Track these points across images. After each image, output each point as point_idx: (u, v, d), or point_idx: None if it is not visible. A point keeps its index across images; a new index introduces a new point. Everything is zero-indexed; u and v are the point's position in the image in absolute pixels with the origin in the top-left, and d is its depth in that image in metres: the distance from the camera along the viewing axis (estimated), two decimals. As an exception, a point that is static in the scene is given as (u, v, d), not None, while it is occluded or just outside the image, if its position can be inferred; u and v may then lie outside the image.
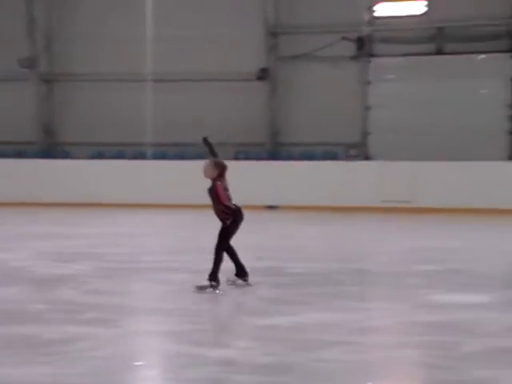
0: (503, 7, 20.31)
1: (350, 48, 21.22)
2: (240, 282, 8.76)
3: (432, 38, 20.87)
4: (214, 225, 8.61)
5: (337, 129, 21.19)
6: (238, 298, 8.32)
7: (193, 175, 20.36)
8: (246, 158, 21.18)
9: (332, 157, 20.92)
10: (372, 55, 21.27)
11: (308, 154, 21.03)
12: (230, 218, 8.52)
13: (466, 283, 9.35)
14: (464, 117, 20.34)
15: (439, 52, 20.81)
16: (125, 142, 22.12)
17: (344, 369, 5.66)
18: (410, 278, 9.70)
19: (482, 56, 20.67)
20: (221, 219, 8.59)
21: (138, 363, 5.90)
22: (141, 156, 21.81)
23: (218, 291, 8.39)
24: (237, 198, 8.64)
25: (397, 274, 10.13)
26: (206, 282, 8.43)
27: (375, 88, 21.28)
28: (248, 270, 8.79)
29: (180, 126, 21.95)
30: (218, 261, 8.46)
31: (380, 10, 21.01)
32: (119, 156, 22.00)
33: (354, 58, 21.24)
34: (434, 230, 16.08)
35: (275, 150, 21.83)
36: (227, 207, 8.54)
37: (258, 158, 21.25)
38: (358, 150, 21.29)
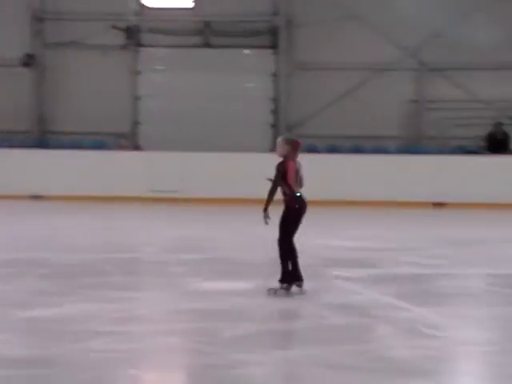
0: (265, 5, 21.07)
1: (119, 37, 21.09)
2: (294, 288, 7.99)
3: (199, 31, 21.27)
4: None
5: (106, 118, 21.00)
6: None
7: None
8: (10, 146, 20.41)
9: (101, 146, 20.70)
10: (141, 45, 21.30)
11: (77, 144, 20.65)
12: (294, 203, 7.75)
13: (232, 271, 9.66)
14: (231, 109, 20.90)
15: (207, 45, 21.26)
16: None
17: (110, 358, 5.69)
18: (177, 266, 9.87)
19: (247, 51, 21.39)
20: (285, 203, 7.84)
21: None
22: None
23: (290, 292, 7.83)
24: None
25: (164, 263, 10.25)
26: (278, 284, 7.90)
27: (145, 78, 21.32)
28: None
29: None
30: (284, 257, 7.77)
31: (148, 1, 21.07)
32: None
33: (123, 47, 21.16)
34: (201, 219, 16.42)
35: (43, 138, 21.24)
36: (291, 190, 7.80)
37: (24, 146, 20.55)
38: (128, 140, 21.24)
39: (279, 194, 7.91)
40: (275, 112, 21.11)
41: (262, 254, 11.31)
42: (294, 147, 7.85)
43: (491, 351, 6.13)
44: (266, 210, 7.73)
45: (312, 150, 20.41)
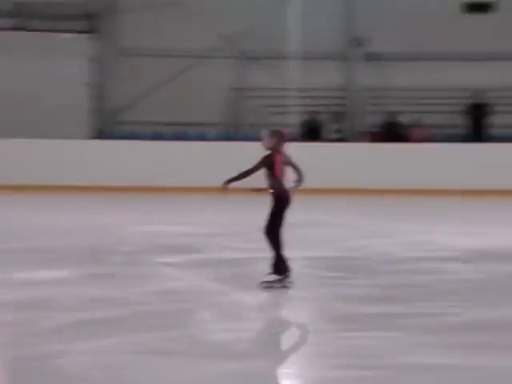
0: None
1: None
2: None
3: (14, 13, 20.57)
4: None
5: None
6: None
7: None
8: None
9: None
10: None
11: None
12: (284, 195, 7.54)
13: (47, 259, 9.43)
14: (48, 96, 20.36)
15: (22, 28, 20.59)
16: None
17: None
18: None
19: (64, 35, 20.90)
20: (273, 195, 7.58)
21: None
22: None
23: (287, 284, 7.48)
24: None
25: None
26: (273, 277, 7.47)
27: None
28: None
29: None
30: (275, 248, 7.52)
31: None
32: None
33: None
34: (16, 207, 15.90)
35: None
36: (279, 182, 7.57)
37: None
38: None
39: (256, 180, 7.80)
40: (98, 98, 20.78)
41: (78, 241, 11.10)
42: (280, 139, 7.76)
43: (307, 331, 6.33)
44: (227, 182, 7.80)
45: (135, 136, 20.30)
